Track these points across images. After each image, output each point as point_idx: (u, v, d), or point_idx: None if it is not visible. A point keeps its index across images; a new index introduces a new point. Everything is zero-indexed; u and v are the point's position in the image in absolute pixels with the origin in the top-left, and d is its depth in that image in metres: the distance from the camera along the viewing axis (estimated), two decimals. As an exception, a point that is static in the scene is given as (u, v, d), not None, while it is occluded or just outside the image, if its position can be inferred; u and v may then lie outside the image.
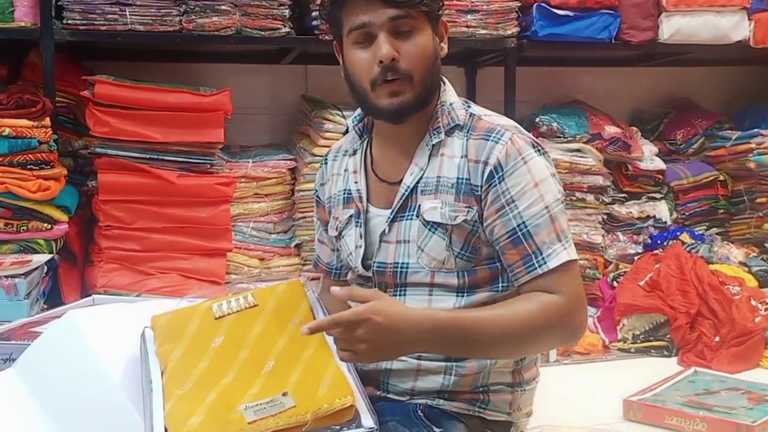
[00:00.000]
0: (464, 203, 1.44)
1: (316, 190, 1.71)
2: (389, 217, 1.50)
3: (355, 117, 1.61)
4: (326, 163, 1.68)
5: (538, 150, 1.46)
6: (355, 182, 1.57)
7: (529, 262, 1.40)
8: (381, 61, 1.40)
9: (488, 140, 1.44)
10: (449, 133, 1.49)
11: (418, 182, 1.48)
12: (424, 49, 1.44)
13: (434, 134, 1.48)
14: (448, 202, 1.45)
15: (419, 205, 1.47)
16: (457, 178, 1.45)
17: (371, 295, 1.32)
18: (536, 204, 1.41)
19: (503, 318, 1.37)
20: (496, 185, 1.42)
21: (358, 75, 1.45)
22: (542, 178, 1.43)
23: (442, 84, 1.53)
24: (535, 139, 1.49)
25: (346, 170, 1.61)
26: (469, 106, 1.54)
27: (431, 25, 1.46)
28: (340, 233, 1.60)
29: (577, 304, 1.42)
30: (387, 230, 1.50)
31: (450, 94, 1.53)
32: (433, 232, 1.46)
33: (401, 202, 1.49)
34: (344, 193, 1.59)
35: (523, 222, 1.40)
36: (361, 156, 1.59)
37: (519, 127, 1.50)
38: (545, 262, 1.39)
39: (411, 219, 1.48)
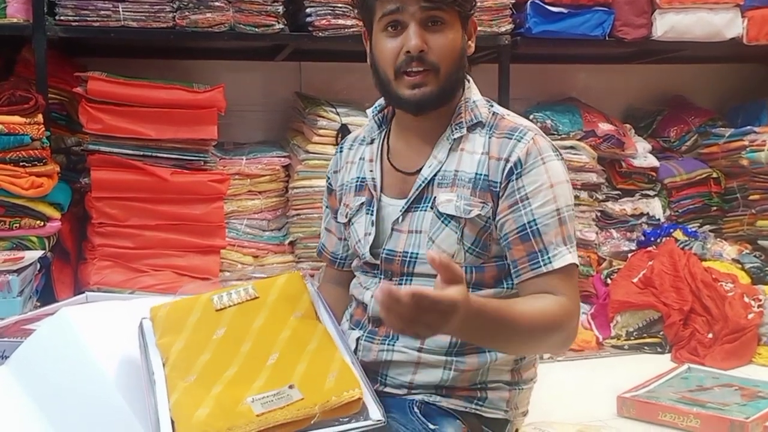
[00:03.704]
0: (480, 198, 1.45)
1: (328, 178, 1.72)
2: (404, 207, 1.51)
3: (376, 107, 1.63)
4: (341, 151, 1.70)
5: (558, 154, 1.48)
6: (371, 170, 1.58)
7: (534, 260, 1.41)
8: (408, 51, 1.42)
9: (511, 138, 1.46)
10: (471, 129, 1.51)
11: (435, 175, 1.50)
12: (453, 43, 1.47)
13: (456, 129, 1.50)
14: (464, 196, 1.46)
15: (434, 197, 1.49)
16: (476, 174, 1.46)
17: (461, 281, 1.18)
18: (548, 204, 1.42)
19: (527, 315, 1.34)
20: (513, 181, 1.43)
21: (383, 62, 1.47)
22: (558, 181, 1.45)
23: (466, 81, 1.56)
24: (554, 144, 1.50)
25: (361, 158, 1.62)
26: (492, 105, 1.56)
27: (461, 23, 1.49)
28: (349, 220, 1.61)
29: (577, 309, 1.43)
30: (401, 219, 1.51)
31: (474, 92, 1.56)
32: (446, 225, 1.46)
33: (417, 192, 1.50)
34: (357, 181, 1.61)
35: (534, 220, 1.42)
36: (379, 145, 1.60)
37: (539, 130, 1.51)
38: (550, 262, 1.41)
39: (425, 210, 1.49)
